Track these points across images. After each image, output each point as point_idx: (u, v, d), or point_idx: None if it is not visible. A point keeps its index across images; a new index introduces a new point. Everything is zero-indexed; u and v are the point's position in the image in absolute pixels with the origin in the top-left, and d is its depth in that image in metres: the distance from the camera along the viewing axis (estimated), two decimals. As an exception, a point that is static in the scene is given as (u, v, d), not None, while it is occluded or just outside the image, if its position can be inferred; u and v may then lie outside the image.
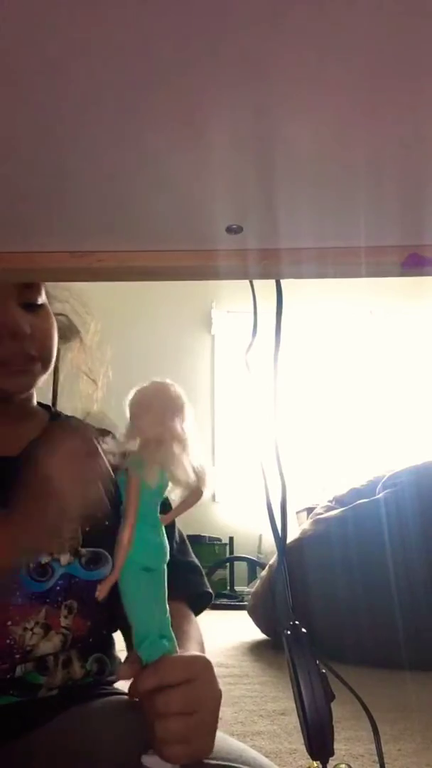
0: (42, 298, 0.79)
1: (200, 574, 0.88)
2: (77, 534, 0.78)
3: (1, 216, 0.45)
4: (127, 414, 0.56)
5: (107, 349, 0.91)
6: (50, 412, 0.88)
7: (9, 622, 0.72)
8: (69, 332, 0.87)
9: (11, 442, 0.80)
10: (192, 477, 0.54)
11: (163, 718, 0.54)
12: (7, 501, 0.76)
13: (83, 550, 0.78)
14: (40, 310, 0.79)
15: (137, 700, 0.59)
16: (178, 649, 0.58)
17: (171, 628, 0.57)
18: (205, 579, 0.89)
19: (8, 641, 0.71)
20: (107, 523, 0.81)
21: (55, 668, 0.74)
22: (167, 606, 0.57)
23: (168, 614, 0.57)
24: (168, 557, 0.57)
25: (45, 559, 0.75)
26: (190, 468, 0.54)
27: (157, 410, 0.55)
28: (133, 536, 0.54)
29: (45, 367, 0.79)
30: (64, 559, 0.76)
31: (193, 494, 0.57)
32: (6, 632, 0.71)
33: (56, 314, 0.85)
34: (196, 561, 0.88)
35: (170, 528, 0.88)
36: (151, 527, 0.56)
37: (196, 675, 0.56)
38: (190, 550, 0.89)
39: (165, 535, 0.58)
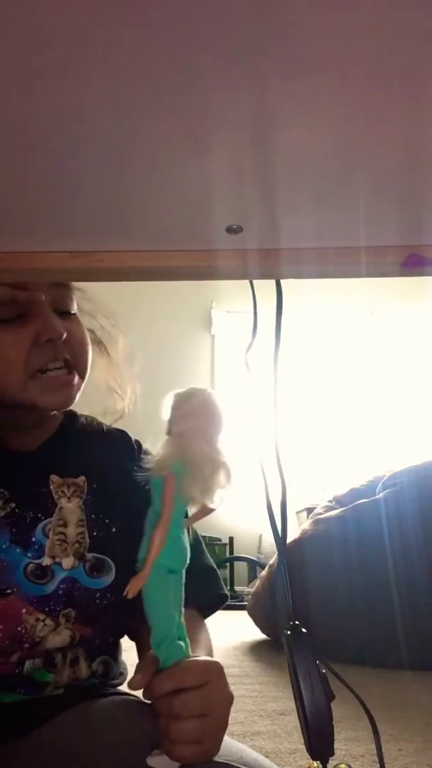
0: (74, 308, 0.79)
1: (216, 576, 0.88)
2: (85, 538, 0.78)
3: (1, 216, 0.45)
4: (167, 418, 0.56)
5: (135, 363, 0.91)
6: (65, 411, 0.87)
7: (24, 610, 0.72)
8: (98, 347, 0.87)
9: (30, 439, 0.81)
10: (219, 503, 0.55)
11: (179, 720, 0.56)
12: (27, 492, 0.76)
13: (89, 555, 0.78)
14: (73, 318, 0.78)
15: (149, 702, 0.60)
16: (190, 651, 0.59)
17: (184, 628, 0.58)
18: (221, 581, 0.89)
19: (20, 629, 0.72)
20: (114, 529, 0.81)
21: (62, 665, 0.74)
22: (183, 610, 0.58)
23: (183, 618, 0.58)
24: (188, 560, 0.58)
25: (46, 562, 0.75)
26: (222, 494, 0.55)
27: (204, 425, 0.55)
28: (165, 538, 0.55)
29: (82, 378, 0.78)
30: (67, 563, 0.76)
31: (207, 508, 0.57)
32: (19, 619, 0.72)
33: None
34: (212, 562, 0.88)
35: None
36: (179, 530, 0.56)
37: (211, 679, 0.58)
38: (205, 550, 0.89)
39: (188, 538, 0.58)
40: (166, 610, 0.56)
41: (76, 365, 0.76)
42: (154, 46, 0.31)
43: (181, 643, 0.57)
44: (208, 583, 0.86)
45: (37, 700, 0.73)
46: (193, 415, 0.55)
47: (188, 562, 0.58)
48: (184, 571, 0.58)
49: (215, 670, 0.59)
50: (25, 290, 0.72)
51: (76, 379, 0.76)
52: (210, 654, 0.76)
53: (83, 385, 0.79)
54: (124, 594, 0.54)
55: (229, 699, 0.60)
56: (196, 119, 0.36)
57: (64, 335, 0.73)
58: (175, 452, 0.54)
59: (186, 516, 0.59)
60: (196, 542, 0.88)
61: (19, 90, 0.34)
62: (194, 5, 0.29)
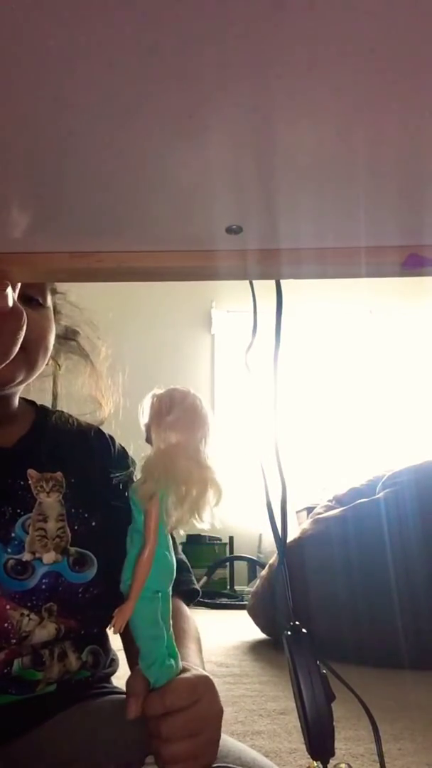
0: (45, 300, 0.79)
1: (188, 570, 0.88)
2: (66, 533, 0.78)
3: (1, 216, 0.45)
4: (145, 422, 0.54)
5: (119, 375, 0.92)
6: (36, 407, 0.88)
7: (8, 606, 0.72)
8: (81, 357, 0.87)
9: (4, 435, 0.81)
10: (208, 521, 0.52)
11: (168, 742, 0.55)
12: (4, 488, 0.76)
13: (72, 549, 0.78)
14: (40, 308, 0.78)
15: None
16: (180, 661, 0.58)
17: (173, 640, 0.57)
18: (193, 576, 0.89)
19: (6, 625, 0.72)
20: (93, 524, 0.81)
21: (51, 661, 0.74)
22: (170, 620, 0.57)
23: (171, 629, 0.57)
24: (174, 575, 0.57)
25: (26, 557, 0.75)
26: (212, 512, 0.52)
27: (189, 439, 0.51)
28: (150, 565, 0.53)
29: (31, 366, 0.77)
30: (48, 557, 0.76)
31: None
32: (5, 615, 0.72)
33: (65, 338, 0.85)
34: (183, 556, 0.89)
35: None
36: (165, 549, 0.55)
37: (200, 696, 0.58)
38: (177, 543, 0.89)
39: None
40: (153, 632, 0.55)
41: (27, 349, 0.74)
42: (155, 46, 0.31)
43: (172, 662, 0.56)
44: (182, 578, 0.86)
45: (30, 700, 0.73)
46: (177, 427, 0.52)
47: (174, 576, 0.56)
48: (169, 589, 0.56)
49: (203, 686, 0.59)
50: None
51: (23, 360, 0.75)
52: (198, 643, 0.76)
53: (31, 377, 0.79)
54: (110, 627, 0.53)
55: (219, 713, 0.60)
56: (196, 119, 0.36)
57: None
58: (159, 473, 0.51)
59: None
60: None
61: (19, 90, 0.34)
62: (194, 4, 0.29)
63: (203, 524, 0.52)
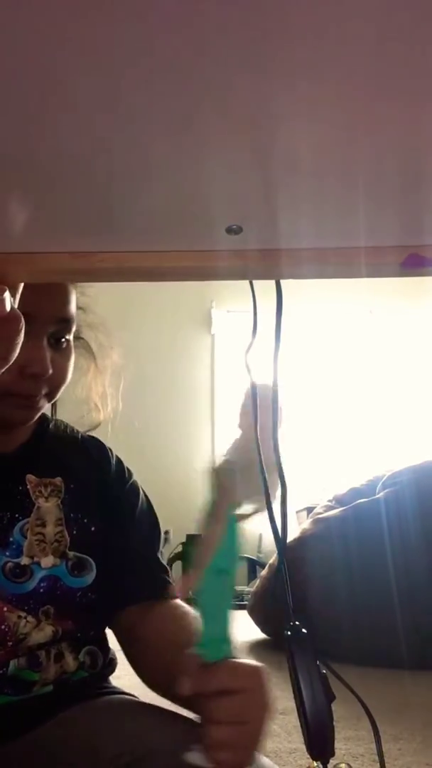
0: (71, 336, 0.80)
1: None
2: (64, 537, 0.78)
3: (1, 216, 0.45)
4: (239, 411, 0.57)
5: (120, 381, 0.92)
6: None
7: (5, 608, 0.72)
8: (88, 359, 0.88)
9: (5, 442, 0.81)
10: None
11: (216, 725, 0.55)
12: (3, 492, 0.77)
13: (70, 554, 0.78)
14: (64, 346, 0.79)
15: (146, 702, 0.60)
16: (234, 650, 0.58)
17: (230, 625, 0.58)
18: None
19: (3, 627, 0.72)
20: (92, 528, 0.81)
21: (47, 662, 0.74)
22: (230, 607, 0.58)
23: (231, 616, 0.58)
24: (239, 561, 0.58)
25: (24, 561, 0.75)
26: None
27: (263, 424, 0.56)
28: (219, 539, 0.55)
29: (50, 401, 0.80)
30: (46, 561, 0.76)
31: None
32: (1, 618, 0.72)
33: (77, 338, 0.86)
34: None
35: (153, 518, 0.89)
36: (233, 531, 0.56)
37: (254, 685, 0.57)
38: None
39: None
40: (213, 611, 0.56)
41: (49, 394, 0.78)
42: (154, 45, 0.31)
43: (227, 645, 0.57)
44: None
45: (26, 701, 0.73)
46: (254, 417, 0.55)
47: (239, 561, 0.58)
48: (235, 572, 0.57)
49: (260, 675, 0.58)
50: (27, 317, 0.73)
51: (45, 401, 0.78)
52: None
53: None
54: (178, 594, 0.54)
55: (269, 707, 0.59)
56: (196, 119, 0.36)
57: (50, 372, 0.74)
58: (233, 451, 0.54)
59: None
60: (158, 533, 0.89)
61: (19, 90, 0.34)
62: (194, 4, 0.29)
63: (264, 510, 0.55)
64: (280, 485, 0.58)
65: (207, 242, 0.48)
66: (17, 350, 0.55)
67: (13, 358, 0.54)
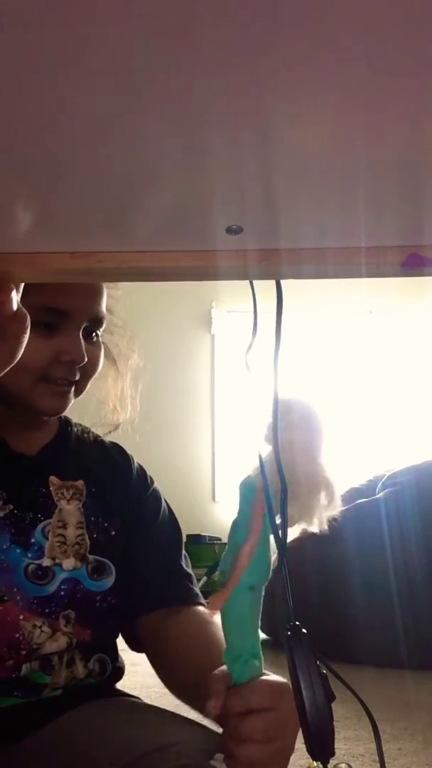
0: (101, 332, 0.82)
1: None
2: (85, 540, 0.78)
3: (1, 216, 0.45)
4: (266, 425, 0.55)
5: (139, 384, 0.94)
6: (60, 417, 0.88)
7: (21, 617, 0.72)
8: (109, 361, 0.89)
9: (30, 442, 0.82)
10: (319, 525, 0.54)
11: (245, 743, 0.55)
12: (26, 493, 0.77)
13: (90, 557, 0.78)
14: (96, 341, 0.81)
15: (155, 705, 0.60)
16: (262, 667, 0.58)
17: (259, 642, 0.57)
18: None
19: (17, 635, 0.72)
20: (113, 533, 0.81)
21: (59, 667, 0.75)
22: (259, 623, 0.57)
23: (259, 631, 0.57)
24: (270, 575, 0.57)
25: (46, 563, 0.75)
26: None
27: (304, 439, 0.54)
28: (252, 555, 0.54)
29: (79, 393, 0.81)
30: (68, 563, 0.76)
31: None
32: (17, 626, 0.72)
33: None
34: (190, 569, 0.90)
35: (176, 525, 0.89)
36: (265, 546, 0.56)
37: (281, 703, 0.57)
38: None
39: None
40: (243, 627, 0.55)
41: (79, 386, 0.79)
42: (154, 44, 0.31)
43: (256, 660, 0.56)
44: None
45: (34, 704, 0.73)
46: (294, 427, 0.54)
47: (269, 577, 0.57)
48: (263, 588, 0.57)
49: (288, 692, 0.57)
50: (65, 312, 0.75)
51: (73, 397, 0.80)
52: None
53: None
54: (207, 609, 0.54)
55: (297, 724, 0.58)
56: (196, 119, 0.36)
57: (85, 360, 0.76)
58: (271, 466, 0.53)
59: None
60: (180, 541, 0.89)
61: (19, 90, 0.34)
62: (195, 4, 0.29)
63: (314, 527, 0.54)
64: (281, 488, 0.58)
65: (207, 242, 0.48)
66: (23, 348, 0.55)
67: (19, 356, 0.55)
